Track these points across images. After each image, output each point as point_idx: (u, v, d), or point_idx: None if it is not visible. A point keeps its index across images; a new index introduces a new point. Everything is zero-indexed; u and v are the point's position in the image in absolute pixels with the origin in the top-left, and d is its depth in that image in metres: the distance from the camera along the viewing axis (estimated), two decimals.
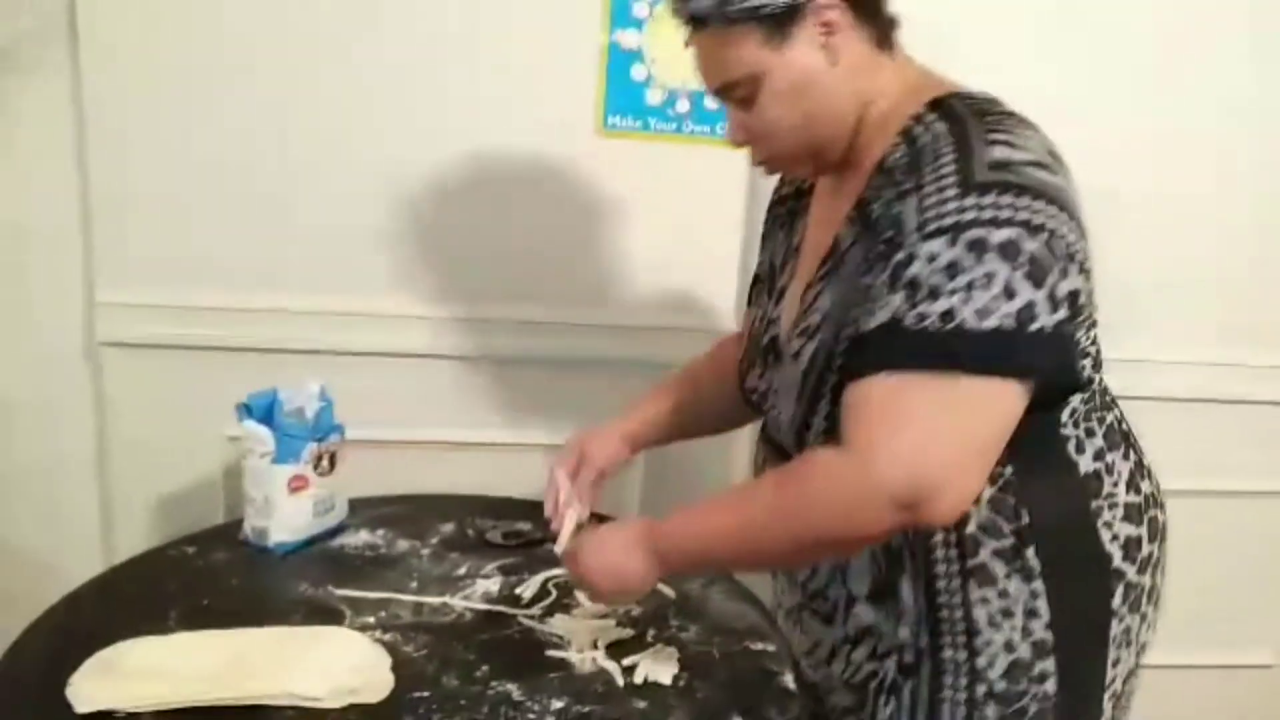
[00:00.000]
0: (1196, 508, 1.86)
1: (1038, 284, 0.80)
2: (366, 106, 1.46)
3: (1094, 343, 0.95)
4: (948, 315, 0.80)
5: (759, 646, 1.09)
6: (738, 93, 0.93)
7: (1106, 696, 0.98)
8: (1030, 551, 0.93)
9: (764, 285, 1.10)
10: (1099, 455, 0.96)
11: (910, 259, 0.82)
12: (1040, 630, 0.93)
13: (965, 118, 0.86)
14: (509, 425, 1.61)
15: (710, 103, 1.43)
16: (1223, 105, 1.64)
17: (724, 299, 1.60)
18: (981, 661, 0.94)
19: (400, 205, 1.50)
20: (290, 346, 1.50)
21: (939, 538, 0.94)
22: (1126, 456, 1.00)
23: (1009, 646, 0.94)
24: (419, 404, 1.57)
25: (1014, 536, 0.93)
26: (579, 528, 1.14)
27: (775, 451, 1.05)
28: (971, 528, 0.93)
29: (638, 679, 1.02)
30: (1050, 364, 0.83)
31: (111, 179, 1.43)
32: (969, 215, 0.80)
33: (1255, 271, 1.76)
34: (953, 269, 0.80)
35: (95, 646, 0.98)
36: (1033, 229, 0.81)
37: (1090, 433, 0.96)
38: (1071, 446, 0.94)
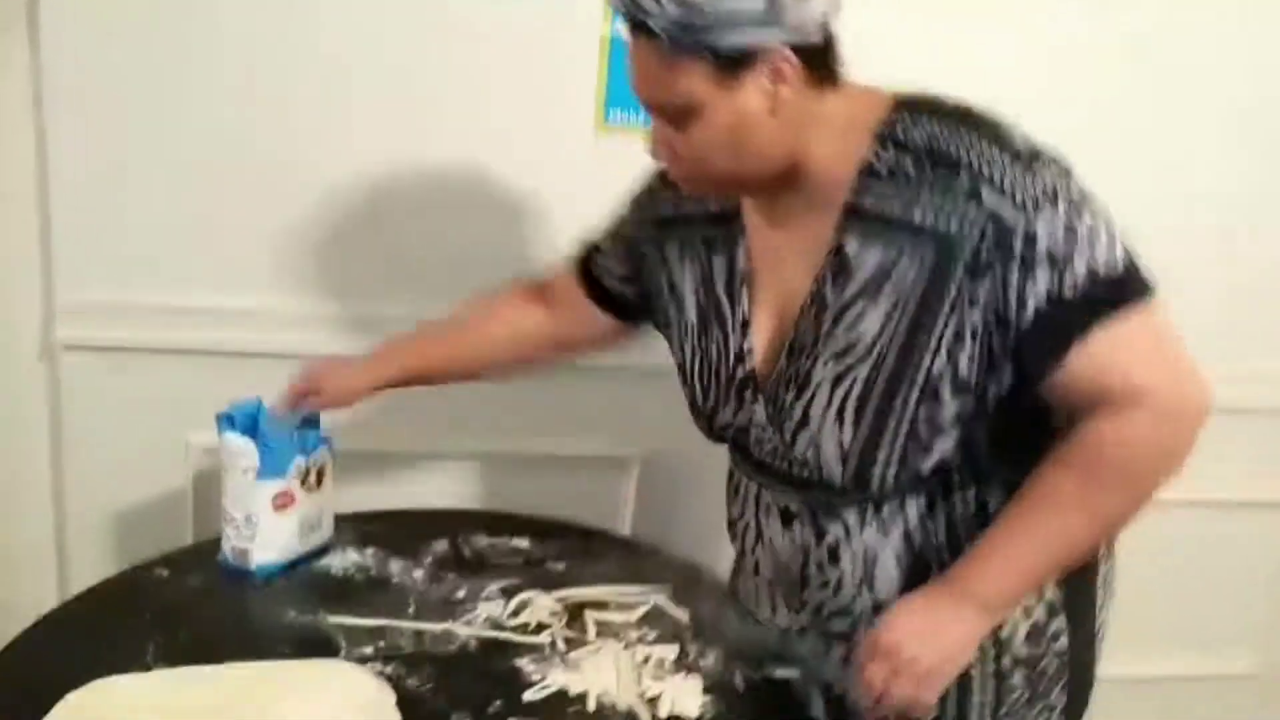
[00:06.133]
0: (1180, 516, 1.86)
1: (1108, 219, 0.89)
2: (353, 99, 1.38)
3: None
4: (1093, 273, 0.86)
5: (782, 673, 1.04)
6: (669, 113, 0.91)
7: (1098, 640, 1.07)
8: None
9: (705, 317, 1.05)
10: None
11: (1031, 239, 0.85)
12: (1050, 591, 1.00)
13: (948, 112, 0.91)
14: (501, 435, 1.53)
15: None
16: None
17: None
18: (1005, 633, 0.99)
19: (389, 202, 1.42)
20: (265, 350, 1.41)
21: (962, 529, 0.98)
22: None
23: (1026, 612, 1.00)
24: (405, 413, 1.48)
25: None
26: None
27: (761, 474, 1.05)
28: (993, 507, 0.97)
29: (662, 713, 0.95)
30: None
31: (74, 172, 1.33)
32: (1048, 180, 0.86)
33: (1254, 280, 1.75)
34: (1071, 231, 0.86)
35: (65, 687, 0.89)
36: (1073, 174, 0.89)
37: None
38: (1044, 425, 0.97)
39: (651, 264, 1.11)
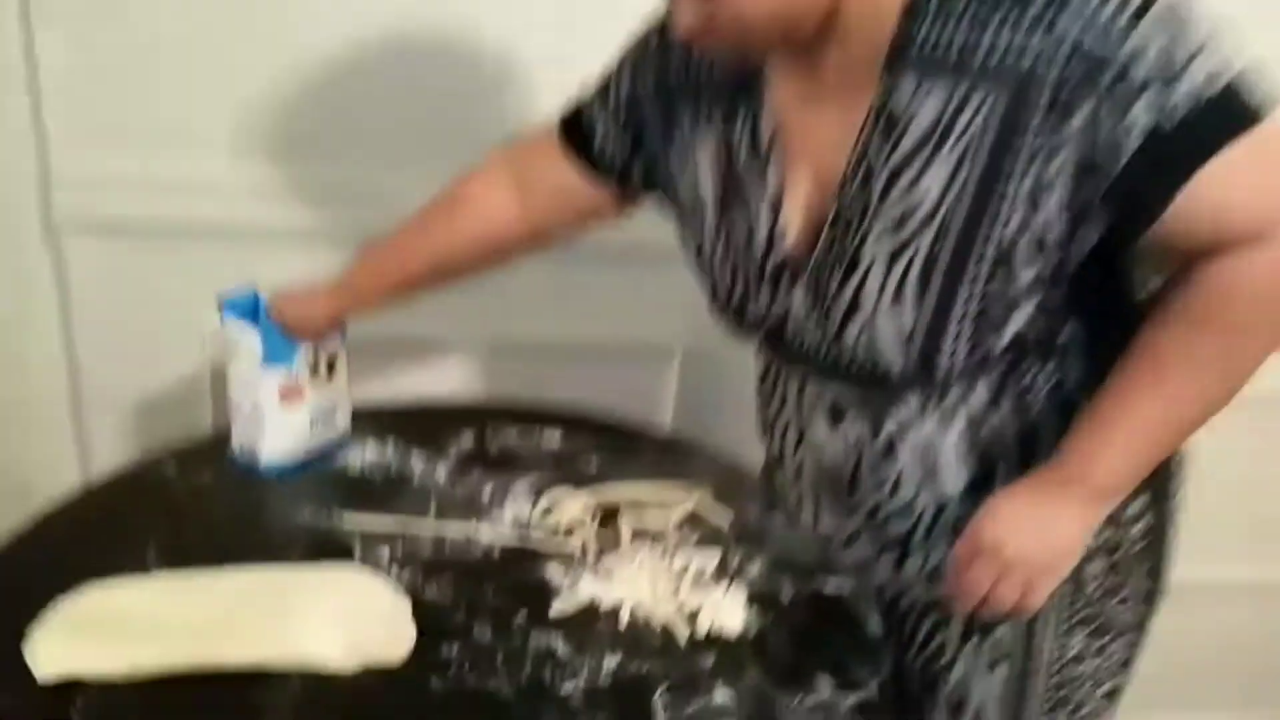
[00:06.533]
0: (1256, 414, 1.71)
1: (1211, 28, 0.74)
2: None
3: None
4: (1197, 97, 0.72)
5: (833, 586, 0.95)
6: None
7: (1175, 522, 0.99)
8: None
9: (727, 196, 0.92)
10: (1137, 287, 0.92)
11: (1124, 67, 0.72)
12: None
13: None
14: (532, 320, 1.42)
15: None
16: None
17: None
18: None
19: (406, 61, 1.28)
20: (285, 226, 1.31)
21: (1035, 412, 0.89)
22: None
23: None
24: (427, 296, 1.39)
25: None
26: None
27: (803, 368, 0.96)
28: (1070, 385, 0.89)
29: (701, 629, 0.87)
30: None
31: (62, 43, 1.22)
32: None
33: None
34: (1170, 51, 0.72)
35: (57, 591, 0.83)
36: None
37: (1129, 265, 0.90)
38: (1131, 286, 0.90)
39: (658, 136, 0.98)
